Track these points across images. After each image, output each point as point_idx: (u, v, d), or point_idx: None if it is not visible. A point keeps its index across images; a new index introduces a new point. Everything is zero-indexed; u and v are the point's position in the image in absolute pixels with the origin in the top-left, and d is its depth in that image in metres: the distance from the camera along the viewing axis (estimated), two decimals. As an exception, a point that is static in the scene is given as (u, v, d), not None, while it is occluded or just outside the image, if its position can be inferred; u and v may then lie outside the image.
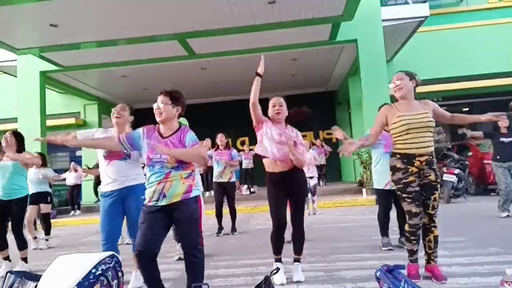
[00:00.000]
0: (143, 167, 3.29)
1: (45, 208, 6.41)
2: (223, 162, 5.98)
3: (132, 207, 3.22)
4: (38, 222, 6.94)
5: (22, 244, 4.37)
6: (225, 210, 6.19)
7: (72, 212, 11.32)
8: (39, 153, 5.98)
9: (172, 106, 2.57)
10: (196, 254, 2.49)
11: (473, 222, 5.67)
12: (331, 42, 10.49)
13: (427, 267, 3.06)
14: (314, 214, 7.79)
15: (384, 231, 4.28)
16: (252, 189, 12.09)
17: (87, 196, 13.12)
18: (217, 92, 14.95)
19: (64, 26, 8.43)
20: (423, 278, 3.00)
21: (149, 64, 11.27)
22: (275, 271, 2.90)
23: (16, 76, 11.62)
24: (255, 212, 8.94)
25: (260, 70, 3.12)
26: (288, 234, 3.24)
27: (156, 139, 2.55)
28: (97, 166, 3.71)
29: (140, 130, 2.65)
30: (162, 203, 2.48)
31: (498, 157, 5.95)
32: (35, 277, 2.52)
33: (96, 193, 11.31)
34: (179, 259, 4.15)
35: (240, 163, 10.31)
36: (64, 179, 11.12)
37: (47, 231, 6.46)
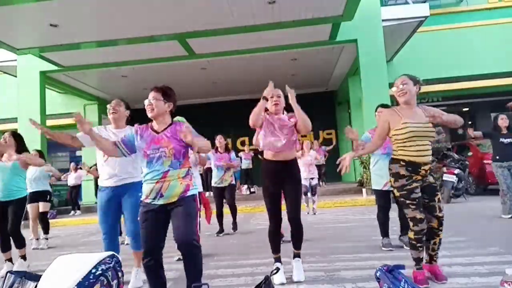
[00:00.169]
0: None
1: (44, 206, 6.35)
2: (223, 164, 5.96)
3: (129, 204, 3.25)
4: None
5: (20, 243, 4.37)
6: (226, 210, 6.20)
7: (72, 212, 11.35)
8: (38, 151, 5.92)
9: (164, 102, 2.59)
10: (192, 250, 2.44)
11: (473, 222, 5.67)
12: (331, 42, 10.48)
13: (428, 267, 3.05)
14: (314, 214, 7.79)
15: (384, 231, 4.27)
16: (252, 189, 12.10)
17: (87, 196, 13.12)
18: (217, 92, 14.93)
19: (64, 26, 8.43)
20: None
21: (149, 64, 11.27)
22: (275, 271, 2.90)
23: (16, 76, 11.62)
24: (255, 212, 8.93)
25: (267, 93, 3.18)
26: (288, 234, 3.23)
27: (150, 136, 2.57)
28: (96, 166, 3.71)
29: (132, 130, 2.67)
30: (160, 202, 2.49)
31: (497, 157, 5.95)
32: (35, 277, 2.52)
33: (96, 194, 11.30)
34: (179, 259, 4.14)
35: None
36: (66, 179, 11.19)
37: (46, 230, 6.40)
